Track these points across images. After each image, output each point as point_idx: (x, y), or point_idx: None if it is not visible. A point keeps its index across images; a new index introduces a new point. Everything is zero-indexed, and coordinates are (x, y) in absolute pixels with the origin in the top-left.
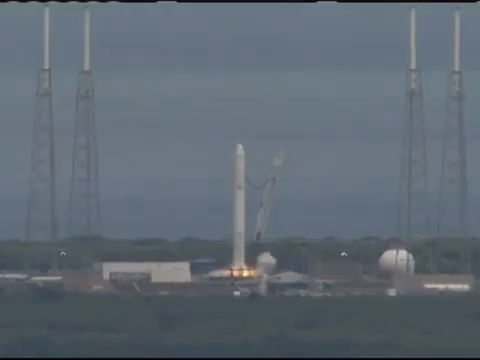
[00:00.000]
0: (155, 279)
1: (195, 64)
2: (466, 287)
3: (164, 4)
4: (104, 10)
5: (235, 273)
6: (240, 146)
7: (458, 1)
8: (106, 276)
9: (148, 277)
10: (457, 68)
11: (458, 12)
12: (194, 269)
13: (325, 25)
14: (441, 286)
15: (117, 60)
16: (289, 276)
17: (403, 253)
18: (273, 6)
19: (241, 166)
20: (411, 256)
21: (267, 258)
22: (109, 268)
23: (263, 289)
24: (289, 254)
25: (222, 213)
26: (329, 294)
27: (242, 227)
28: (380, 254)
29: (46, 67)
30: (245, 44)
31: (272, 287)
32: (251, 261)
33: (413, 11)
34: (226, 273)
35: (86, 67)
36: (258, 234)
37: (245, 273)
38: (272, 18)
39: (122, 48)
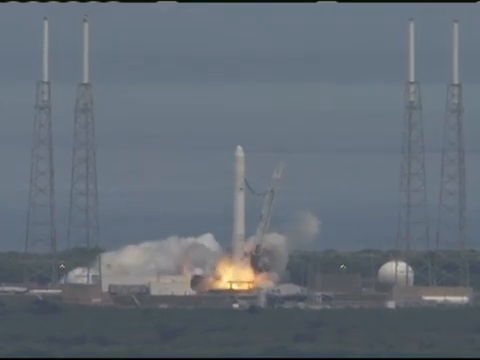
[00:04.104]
0: (154, 292)
1: (195, 76)
2: (465, 299)
3: (163, 15)
4: (103, 23)
5: (234, 286)
6: (239, 148)
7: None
8: (105, 289)
9: (147, 290)
10: (456, 81)
11: (457, 24)
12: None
13: (325, 35)
14: (440, 298)
15: (116, 72)
16: (288, 288)
17: (402, 265)
18: (273, 13)
19: (241, 168)
20: (410, 268)
21: (312, 222)
22: (108, 281)
23: (262, 301)
24: (288, 266)
25: (222, 225)
26: (328, 306)
27: (242, 229)
28: (379, 266)
29: (45, 79)
30: (245, 55)
31: (271, 299)
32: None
33: (412, 23)
34: (225, 286)
35: (85, 80)
36: (257, 247)
37: (244, 286)
38: (272, 27)
39: (121, 60)
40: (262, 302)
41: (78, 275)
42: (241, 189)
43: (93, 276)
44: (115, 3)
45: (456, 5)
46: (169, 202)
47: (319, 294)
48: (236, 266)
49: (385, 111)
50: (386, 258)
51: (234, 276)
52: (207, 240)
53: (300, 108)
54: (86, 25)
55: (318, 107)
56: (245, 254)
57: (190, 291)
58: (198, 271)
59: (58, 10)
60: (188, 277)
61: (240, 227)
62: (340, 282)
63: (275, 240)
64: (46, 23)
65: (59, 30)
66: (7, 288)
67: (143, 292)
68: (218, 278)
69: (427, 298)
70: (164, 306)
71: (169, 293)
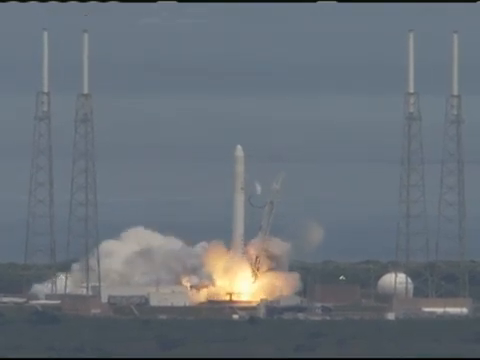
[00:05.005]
0: (153, 302)
1: (195, 86)
2: (465, 310)
3: (163, 25)
4: (103, 33)
5: (234, 297)
6: (239, 147)
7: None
8: (104, 299)
9: (146, 301)
10: (456, 92)
11: (457, 35)
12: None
13: (325, 45)
14: (440, 309)
15: (116, 83)
16: (288, 299)
17: (402, 277)
18: (273, 14)
19: (240, 168)
20: (410, 279)
21: (317, 230)
22: (107, 291)
23: (262, 312)
24: None
25: (222, 235)
26: (328, 317)
27: (242, 228)
28: (379, 278)
29: (45, 90)
30: (245, 65)
31: (271, 310)
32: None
33: (412, 34)
34: (225, 296)
35: (85, 90)
36: (257, 258)
37: (244, 296)
38: (272, 32)
39: (121, 71)
40: (262, 313)
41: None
42: (242, 189)
43: (92, 287)
44: (115, 3)
45: (457, 14)
46: (168, 212)
47: (319, 305)
48: (236, 266)
49: (384, 122)
50: (385, 269)
51: (232, 279)
52: (202, 248)
53: (299, 118)
54: (86, 36)
55: (317, 117)
56: (246, 258)
57: (189, 302)
58: (194, 280)
59: (58, 12)
60: (188, 288)
61: (240, 227)
62: (340, 293)
63: (277, 249)
64: (46, 34)
65: (59, 41)
66: (6, 299)
67: (142, 303)
68: (214, 284)
69: (427, 309)
70: (163, 317)
71: (168, 304)
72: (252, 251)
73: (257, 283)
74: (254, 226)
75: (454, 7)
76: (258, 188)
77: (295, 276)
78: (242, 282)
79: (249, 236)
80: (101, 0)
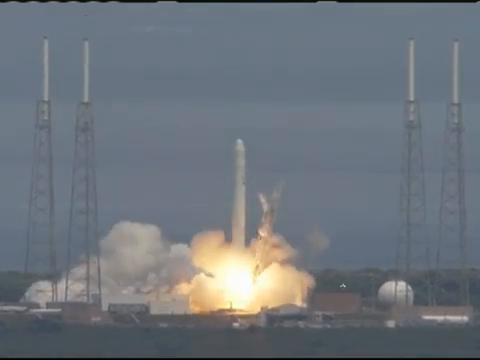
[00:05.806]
0: (154, 311)
1: (195, 92)
2: (465, 318)
3: (163, 33)
4: (103, 41)
5: (234, 305)
6: (240, 141)
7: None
8: (105, 308)
9: (147, 309)
10: (456, 100)
11: (457, 43)
12: None
13: (325, 53)
14: (440, 318)
15: (117, 91)
16: (288, 307)
17: (402, 285)
18: (273, 14)
19: (241, 162)
20: (410, 288)
21: (322, 238)
22: (108, 300)
23: (262, 321)
24: None
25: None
26: (328, 326)
27: (243, 222)
28: (379, 286)
29: (45, 99)
30: (245, 70)
31: (271, 319)
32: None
33: (412, 42)
34: (226, 305)
35: (85, 98)
36: (257, 267)
37: (244, 305)
38: (272, 38)
39: (122, 79)
40: (262, 321)
41: (39, 290)
42: (243, 183)
43: (93, 295)
44: (115, 3)
45: (457, 15)
46: (169, 220)
47: (319, 313)
48: (236, 260)
49: (385, 130)
50: (386, 277)
51: (232, 273)
52: (182, 250)
53: (299, 127)
54: (86, 44)
55: (317, 126)
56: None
57: (190, 310)
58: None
59: (59, 13)
60: (188, 296)
61: (241, 221)
62: (340, 301)
63: (281, 255)
64: (46, 42)
65: (59, 49)
66: (6, 307)
67: (143, 311)
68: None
69: (427, 317)
70: (164, 325)
71: (169, 312)
72: (253, 253)
73: (260, 286)
74: (254, 233)
75: (454, 8)
76: (262, 199)
77: (306, 274)
78: (241, 282)
79: (248, 236)
80: (101, 0)
